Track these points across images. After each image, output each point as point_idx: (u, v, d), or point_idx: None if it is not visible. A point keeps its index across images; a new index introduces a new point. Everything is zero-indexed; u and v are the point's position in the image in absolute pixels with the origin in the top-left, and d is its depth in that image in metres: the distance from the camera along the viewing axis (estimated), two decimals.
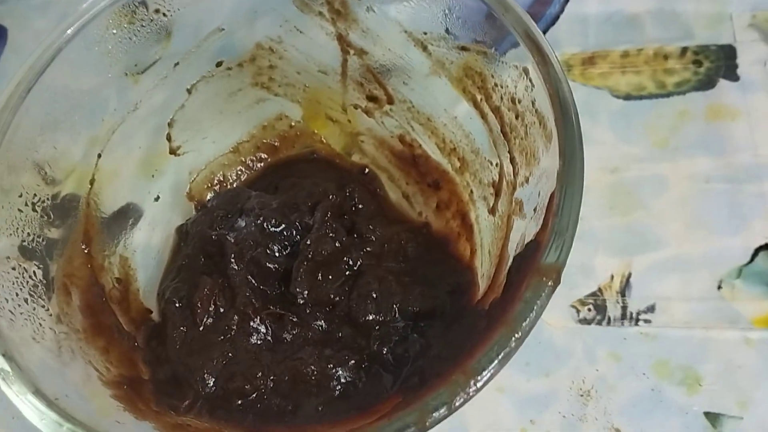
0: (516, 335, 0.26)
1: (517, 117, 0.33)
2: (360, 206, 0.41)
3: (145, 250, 0.40)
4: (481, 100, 0.35)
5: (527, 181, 0.33)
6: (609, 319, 0.39)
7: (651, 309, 0.39)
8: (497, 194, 0.36)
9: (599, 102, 0.45)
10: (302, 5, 0.38)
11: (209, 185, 0.43)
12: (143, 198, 0.41)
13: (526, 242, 0.30)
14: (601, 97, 0.45)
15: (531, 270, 0.27)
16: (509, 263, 0.32)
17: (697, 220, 0.41)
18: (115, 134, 0.38)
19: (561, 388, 0.38)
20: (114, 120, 0.38)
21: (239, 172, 0.44)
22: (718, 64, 0.45)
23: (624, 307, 0.40)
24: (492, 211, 0.37)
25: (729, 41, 0.46)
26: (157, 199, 0.41)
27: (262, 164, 0.44)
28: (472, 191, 0.39)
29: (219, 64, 0.40)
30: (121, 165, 0.39)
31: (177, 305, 0.37)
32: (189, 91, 0.40)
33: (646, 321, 0.39)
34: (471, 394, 0.25)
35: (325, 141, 0.44)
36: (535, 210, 0.30)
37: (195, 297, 0.36)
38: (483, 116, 0.36)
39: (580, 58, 0.47)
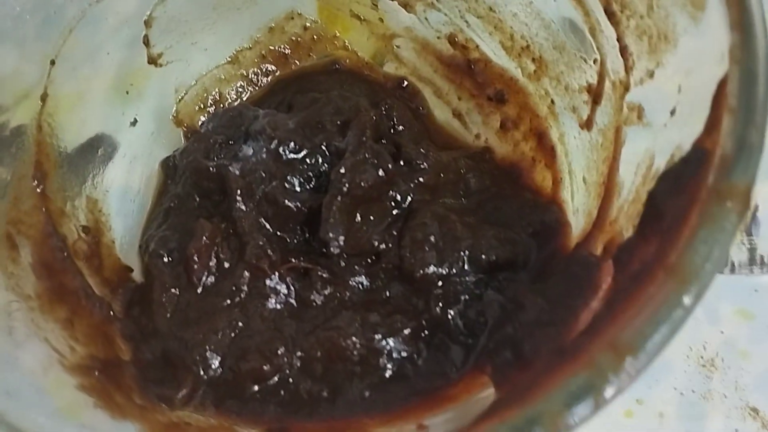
0: (691, 289, 0.20)
1: None
2: (400, 128, 0.35)
3: (122, 190, 0.35)
4: None
5: (651, 75, 0.27)
6: (732, 265, 0.35)
7: None
8: (596, 101, 0.30)
9: None
10: None
11: (202, 106, 0.38)
12: (117, 126, 0.36)
13: (671, 156, 0.23)
14: None
15: (701, 193, 0.21)
16: (626, 190, 0.26)
17: None
18: (76, 43, 0.32)
19: (676, 357, 0.33)
20: (72, 24, 0.32)
21: (240, 89, 0.39)
22: None
23: (752, 250, 0.35)
24: (586, 124, 0.31)
25: None
26: (134, 123, 0.36)
27: (269, 78, 0.39)
28: (552, 101, 0.33)
29: None
30: (87, 86, 0.34)
31: (166, 260, 0.32)
32: None
33: None
34: (626, 381, 0.19)
35: (349, 47, 0.39)
36: (673, 112, 0.24)
37: (190, 248, 0.31)
38: None
39: None
